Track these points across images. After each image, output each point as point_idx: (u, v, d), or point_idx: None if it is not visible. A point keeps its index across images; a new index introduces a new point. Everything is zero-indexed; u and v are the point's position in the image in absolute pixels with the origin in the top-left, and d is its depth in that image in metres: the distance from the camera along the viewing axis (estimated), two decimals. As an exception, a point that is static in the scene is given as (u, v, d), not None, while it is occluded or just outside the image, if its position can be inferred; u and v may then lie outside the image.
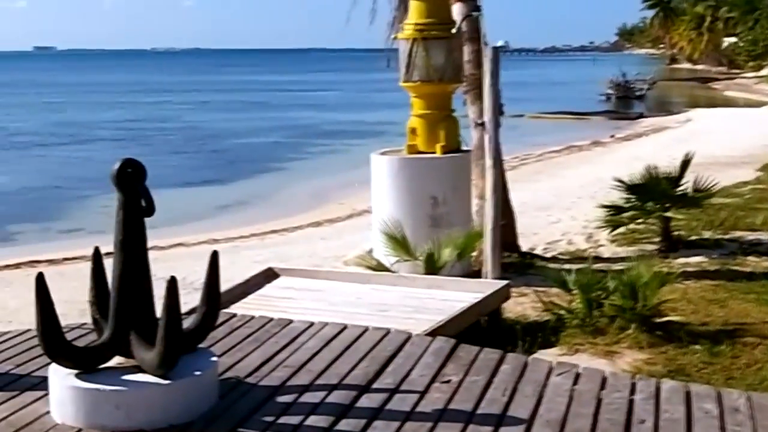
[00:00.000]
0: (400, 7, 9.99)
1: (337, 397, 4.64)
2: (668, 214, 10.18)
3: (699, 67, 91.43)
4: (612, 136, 29.78)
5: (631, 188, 10.33)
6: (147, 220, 4.61)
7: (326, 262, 10.76)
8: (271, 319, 6.02)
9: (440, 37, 9.09)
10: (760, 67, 72.16)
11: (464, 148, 9.58)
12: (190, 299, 5.67)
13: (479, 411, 4.47)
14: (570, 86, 65.37)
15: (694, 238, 10.84)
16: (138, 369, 4.49)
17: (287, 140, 32.98)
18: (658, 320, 6.92)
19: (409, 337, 5.59)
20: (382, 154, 9.42)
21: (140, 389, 4.36)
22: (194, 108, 49.33)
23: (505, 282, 7.28)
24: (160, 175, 23.42)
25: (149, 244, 4.61)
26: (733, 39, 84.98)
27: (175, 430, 4.28)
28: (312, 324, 5.88)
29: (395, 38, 9.50)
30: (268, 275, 7.69)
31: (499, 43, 7.96)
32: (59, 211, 18.08)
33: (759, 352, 6.54)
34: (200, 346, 4.85)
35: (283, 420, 4.36)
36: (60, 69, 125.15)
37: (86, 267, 4.93)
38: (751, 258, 9.86)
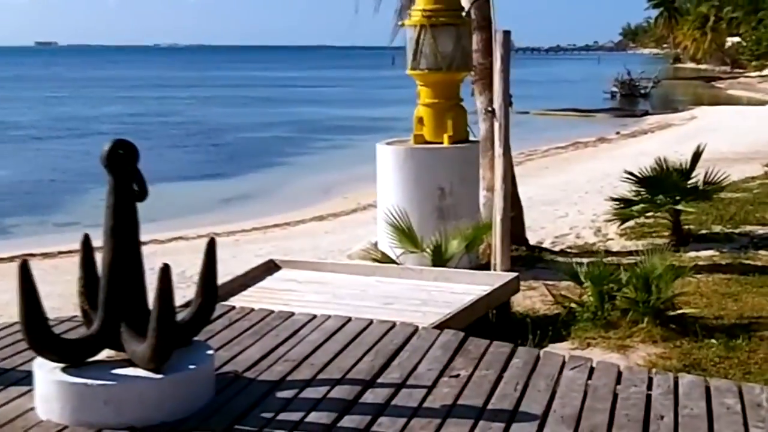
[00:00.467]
0: (407, -7, 9.76)
1: (340, 392, 4.44)
2: (679, 207, 9.97)
3: (702, 66, 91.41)
4: (617, 133, 29.63)
5: (641, 181, 10.11)
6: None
7: (330, 255, 10.58)
8: (272, 312, 5.84)
9: (449, 24, 8.85)
10: (763, 67, 72.04)
11: (472, 138, 9.34)
12: (189, 293, 5.47)
13: (490, 406, 4.29)
14: (575, 84, 65.23)
15: (704, 232, 10.68)
16: (129, 363, 4.27)
17: (291, 135, 32.78)
18: (672, 314, 6.70)
19: (415, 330, 5.41)
20: (388, 144, 9.18)
21: (131, 384, 4.14)
22: (197, 103, 49.11)
23: (514, 274, 7.06)
24: (161, 168, 23.22)
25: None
26: (737, 39, 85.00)
27: (168, 427, 4.06)
28: (314, 317, 5.71)
29: (402, 25, 9.25)
30: (269, 267, 7.47)
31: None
32: (56, 205, 17.90)
33: (777, 347, 6.30)
34: (196, 339, 4.63)
35: (282, 416, 4.16)
36: (61, 64, 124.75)
37: (81, 260, 4.69)
38: (762, 252, 9.70)
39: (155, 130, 33.86)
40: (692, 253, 9.49)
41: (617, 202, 10.41)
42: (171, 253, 11.80)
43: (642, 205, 10.10)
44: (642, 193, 10.17)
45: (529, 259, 9.34)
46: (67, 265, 10.74)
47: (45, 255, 12.20)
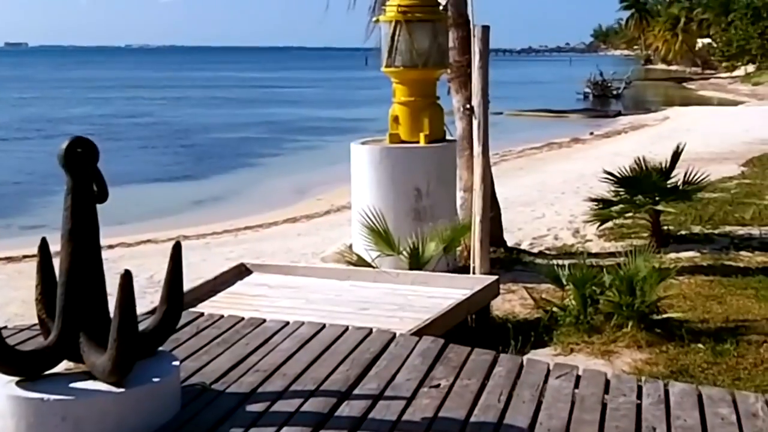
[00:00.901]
0: (382, -11, 9.50)
1: (314, 404, 4.20)
2: (659, 207, 9.82)
3: (673, 67, 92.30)
4: (591, 134, 29.63)
5: (620, 181, 9.95)
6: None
7: (303, 258, 10.33)
8: (242, 319, 5.59)
9: (425, 20, 8.63)
10: (734, 68, 72.75)
11: (449, 138, 9.12)
12: (157, 299, 5.15)
13: (473, 419, 4.07)
14: (547, 85, 65.47)
15: (684, 232, 10.57)
16: (88, 375, 4.00)
17: (263, 136, 32.41)
18: (657, 317, 6.52)
19: (393, 337, 5.19)
20: (363, 143, 8.94)
21: (90, 398, 3.87)
22: (167, 103, 48.53)
23: (494, 277, 6.86)
24: (130, 170, 22.81)
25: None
26: (707, 40, 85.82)
27: (130, 444, 3.78)
28: (287, 323, 5.47)
29: (377, 21, 9.00)
30: (240, 272, 7.21)
31: None
32: (21, 207, 17.44)
33: (765, 351, 6.17)
34: (161, 349, 4.36)
35: (253, 431, 3.90)
36: (31, 65, 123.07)
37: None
38: (743, 252, 9.60)
39: (125, 131, 33.35)
40: (673, 255, 9.35)
41: (596, 203, 10.25)
42: (139, 256, 11.48)
43: (621, 206, 9.95)
44: (621, 193, 10.02)
45: (507, 261, 9.15)
46: (31, 270, 10.24)
47: (9, 259, 11.82)
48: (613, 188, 10.09)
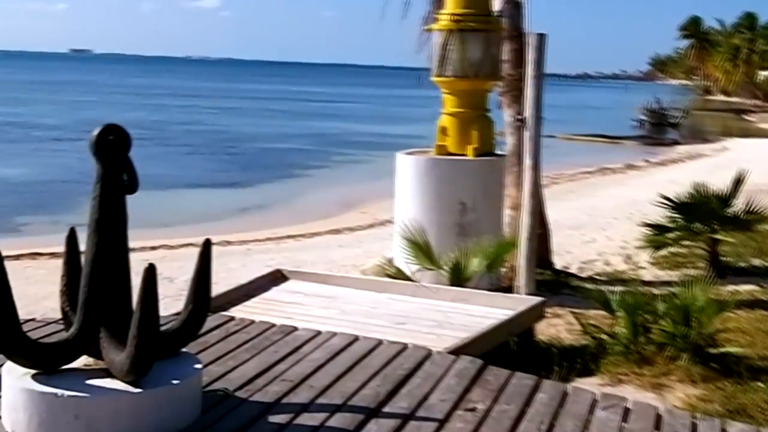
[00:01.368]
0: (435, -1, 9.27)
1: (341, 420, 3.95)
2: (717, 236, 9.37)
3: (733, 99, 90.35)
4: (646, 161, 29.00)
5: (677, 207, 9.53)
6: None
7: (343, 270, 10.10)
8: (273, 325, 5.39)
9: (478, 30, 8.37)
10: (796, 100, 70.94)
11: (498, 152, 8.83)
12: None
13: (510, 447, 3.74)
14: (602, 111, 64.61)
15: (743, 265, 10.10)
16: (106, 373, 3.79)
17: (312, 148, 32.43)
18: (713, 351, 6.12)
19: (428, 354, 4.92)
20: (409, 153, 8.69)
21: (105, 397, 3.67)
22: (220, 113, 48.97)
23: (540, 299, 6.52)
24: (177, 174, 22.94)
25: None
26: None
27: (143, 449, 3.56)
28: (319, 333, 5.24)
29: (429, 30, 8.76)
30: (276, 278, 7.01)
31: None
32: (70, 205, 17.55)
33: (829, 394, 5.70)
34: (184, 350, 4.14)
35: (274, 444, 3.66)
36: (94, 71, 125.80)
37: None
38: (806, 289, 9.05)
39: (175, 137, 33.66)
40: (731, 287, 8.90)
41: (650, 229, 9.83)
42: (180, 259, 11.39)
43: (677, 233, 9.52)
44: (677, 219, 9.60)
45: (554, 284, 8.81)
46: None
47: (53, 254, 11.86)
48: (669, 214, 9.68)
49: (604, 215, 15.28)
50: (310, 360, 4.74)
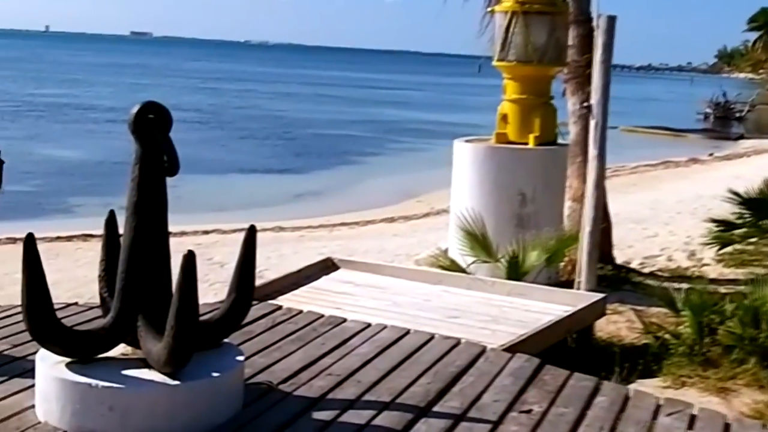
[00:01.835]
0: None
1: (388, 418, 3.75)
2: (789, 234, 8.89)
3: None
4: (711, 155, 28.15)
5: (746, 202, 9.05)
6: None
7: (396, 260, 9.92)
8: (321, 316, 5.21)
9: (543, 12, 8.03)
10: None
11: (561, 141, 8.50)
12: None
13: (568, 455, 3.50)
14: (666, 104, 63.14)
15: (815, 266, 9.53)
16: (144, 363, 3.64)
17: (368, 135, 32.21)
18: (785, 356, 5.73)
19: (483, 350, 4.69)
20: (467, 141, 8.42)
21: (141, 389, 3.52)
22: (276, 98, 49.05)
23: (601, 295, 6.22)
24: (231, 159, 22.97)
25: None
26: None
27: (180, 444, 3.40)
28: (368, 325, 5.06)
29: (492, 12, 8.45)
30: (326, 266, 6.83)
31: None
32: (123, 187, 17.74)
33: None
34: (226, 341, 3.98)
35: (317, 442, 3.47)
36: (153, 54, 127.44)
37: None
38: None
39: (231, 121, 33.73)
40: (802, 288, 8.42)
41: (716, 225, 9.38)
42: (231, 244, 11.32)
43: (745, 230, 9.05)
44: (745, 216, 9.12)
45: (615, 280, 8.45)
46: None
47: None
48: (736, 210, 9.21)
49: (667, 210, 14.78)
50: (357, 354, 4.55)
